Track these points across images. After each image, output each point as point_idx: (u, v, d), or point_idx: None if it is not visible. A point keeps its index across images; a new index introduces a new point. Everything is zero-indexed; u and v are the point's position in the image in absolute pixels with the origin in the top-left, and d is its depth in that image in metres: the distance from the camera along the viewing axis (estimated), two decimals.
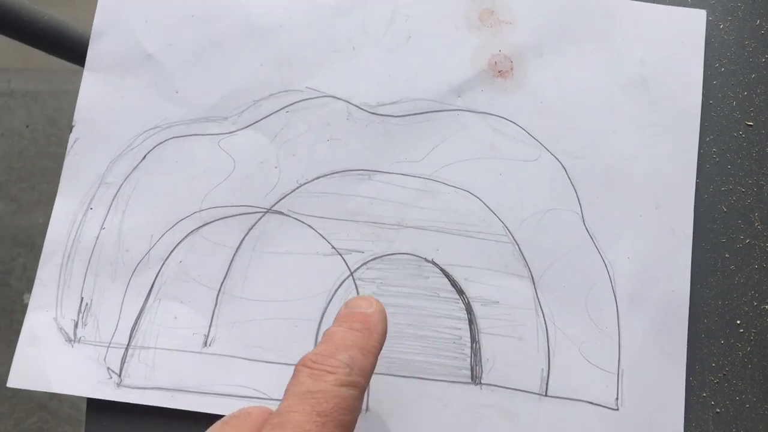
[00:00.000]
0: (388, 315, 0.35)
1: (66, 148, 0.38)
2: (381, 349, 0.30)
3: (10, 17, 0.53)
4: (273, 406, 0.34)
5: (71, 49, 0.56)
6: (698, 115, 0.39)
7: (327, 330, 0.30)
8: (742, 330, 0.37)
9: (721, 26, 0.41)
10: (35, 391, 0.35)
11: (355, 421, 0.28)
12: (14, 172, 1.33)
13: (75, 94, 0.38)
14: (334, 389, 0.27)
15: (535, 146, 0.39)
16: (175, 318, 0.36)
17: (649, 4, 0.41)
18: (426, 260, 0.37)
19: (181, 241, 0.37)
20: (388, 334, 0.35)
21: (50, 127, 1.36)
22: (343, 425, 0.27)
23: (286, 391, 0.28)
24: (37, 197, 1.28)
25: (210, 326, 0.36)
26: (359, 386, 0.28)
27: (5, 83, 1.36)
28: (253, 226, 0.37)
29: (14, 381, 0.35)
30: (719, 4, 0.41)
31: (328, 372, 0.27)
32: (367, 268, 0.37)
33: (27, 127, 1.39)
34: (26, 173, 1.34)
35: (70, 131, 0.38)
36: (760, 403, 0.37)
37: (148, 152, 0.38)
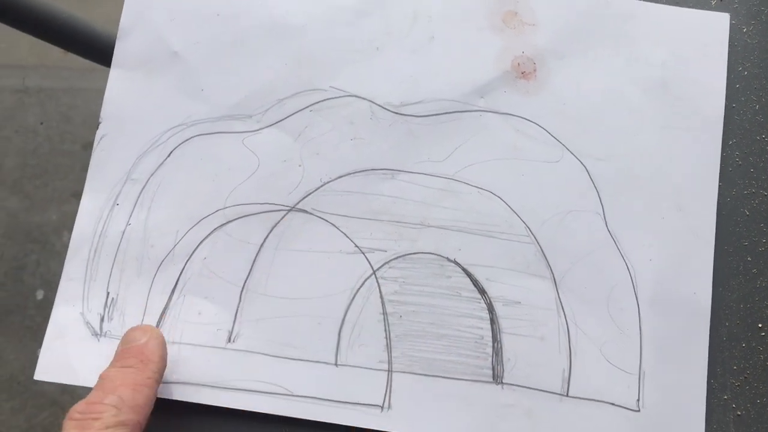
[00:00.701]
0: (409, 313, 0.36)
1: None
2: (162, 373, 0.32)
3: (28, 14, 0.53)
4: (296, 403, 0.34)
5: (89, 46, 0.56)
6: (721, 118, 0.39)
7: (101, 374, 0.32)
8: (764, 333, 0.37)
9: (745, 30, 0.41)
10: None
11: None
12: (28, 168, 1.34)
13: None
14: None
15: (558, 147, 0.39)
16: (200, 314, 0.36)
17: (672, 7, 0.41)
18: (448, 260, 0.37)
19: (205, 238, 0.37)
20: (410, 333, 0.36)
21: (64, 124, 1.37)
22: None
23: None
24: (50, 194, 1.28)
25: (234, 322, 0.36)
26: (130, 423, 0.29)
27: (20, 80, 1.37)
28: (277, 223, 0.38)
29: (41, 374, 0.36)
30: (743, 7, 0.41)
31: (94, 419, 0.29)
32: (390, 267, 0.37)
33: (41, 124, 1.40)
34: (40, 170, 1.35)
35: (97, 128, 0.38)
36: None
37: (174, 149, 0.38)
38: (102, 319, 0.36)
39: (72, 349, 0.36)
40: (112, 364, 0.32)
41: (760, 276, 0.38)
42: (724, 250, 0.38)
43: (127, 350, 0.33)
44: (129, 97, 0.39)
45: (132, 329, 0.34)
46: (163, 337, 0.34)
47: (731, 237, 0.39)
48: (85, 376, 0.35)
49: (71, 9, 0.57)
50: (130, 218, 0.37)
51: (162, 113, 0.39)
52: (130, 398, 0.30)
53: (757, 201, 0.39)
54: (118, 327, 0.36)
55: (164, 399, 0.35)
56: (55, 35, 0.56)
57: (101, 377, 0.31)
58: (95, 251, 0.37)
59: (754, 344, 0.37)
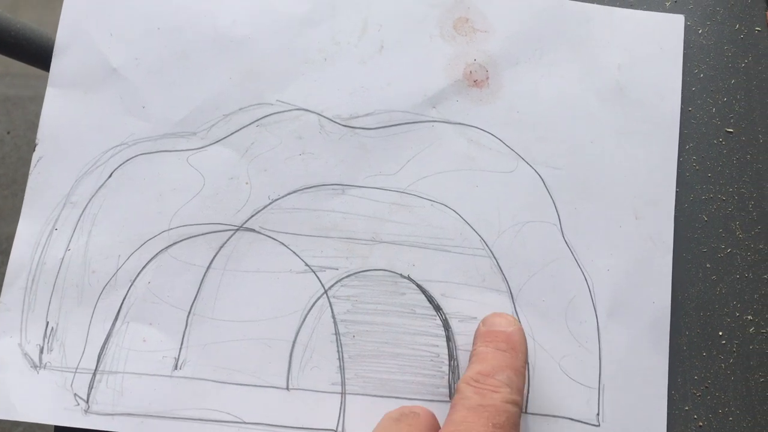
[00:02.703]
0: (363, 333, 0.35)
1: None
2: (526, 368, 0.33)
3: None
4: (247, 431, 0.33)
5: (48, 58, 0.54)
6: (677, 122, 0.39)
7: (475, 350, 0.33)
8: (724, 342, 0.37)
9: (700, 31, 0.40)
10: None
11: None
12: None
13: None
14: (504, 405, 0.29)
15: (512, 157, 0.38)
16: (144, 341, 0.35)
17: (627, 9, 0.40)
18: (402, 276, 0.36)
19: (149, 262, 0.36)
20: (363, 353, 0.35)
21: (32, 133, 1.34)
22: None
23: (454, 405, 0.30)
24: (18, 205, 1.26)
25: (180, 349, 0.35)
26: (519, 404, 0.31)
27: None
28: (224, 244, 0.36)
29: None
30: (698, 8, 0.41)
31: (492, 391, 0.30)
32: (342, 286, 0.36)
33: (8, 133, 1.37)
34: (8, 180, 1.33)
35: (33, 150, 0.37)
36: (744, 416, 0.36)
37: (114, 170, 0.37)
38: (41, 351, 0.35)
39: (10, 383, 0.34)
40: (482, 343, 0.33)
41: (720, 283, 0.37)
42: (683, 257, 0.38)
43: (494, 333, 0.33)
44: (67, 116, 0.37)
45: (494, 315, 0.34)
46: (524, 331, 0.34)
47: (690, 243, 0.38)
48: (24, 411, 0.34)
49: (31, 15, 0.55)
50: (70, 243, 0.36)
51: (102, 133, 0.37)
52: (515, 380, 0.31)
53: (715, 206, 0.38)
54: (58, 358, 0.35)
55: None
56: (8, 47, 0.54)
57: (479, 352, 0.32)
58: (33, 279, 0.36)
59: (714, 353, 0.37)
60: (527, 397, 0.35)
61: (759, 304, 0.37)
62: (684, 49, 0.40)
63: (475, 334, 0.34)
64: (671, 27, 0.40)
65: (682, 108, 0.39)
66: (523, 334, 0.33)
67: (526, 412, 0.35)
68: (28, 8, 1.39)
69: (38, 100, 1.34)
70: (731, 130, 0.39)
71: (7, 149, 1.34)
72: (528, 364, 0.36)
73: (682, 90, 0.39)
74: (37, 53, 0.52)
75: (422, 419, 0.31)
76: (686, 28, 0.40)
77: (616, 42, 0.39)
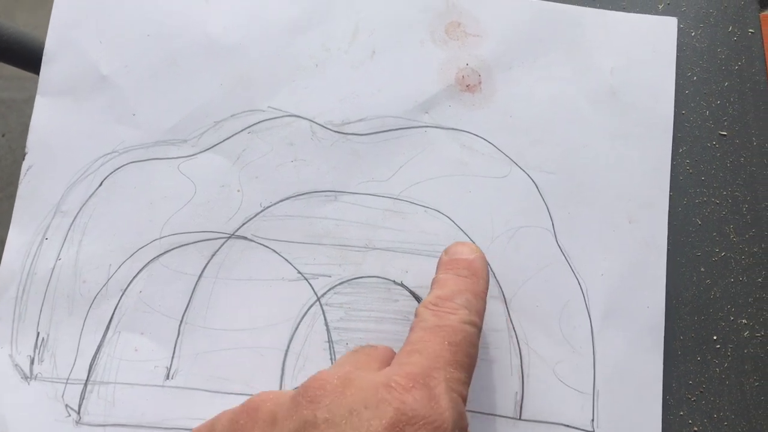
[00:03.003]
0: (356, 340, 0.35)
1: None
2: (487, 293, 0.32)
3: None
4: None
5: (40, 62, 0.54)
6: (671, 125, 0.39)
7: (436, 277, 0.32)
8: (718, 346, 0.37)
9: (693, 34, 0.40)
10: None
11: (476, 358, 0.30)
12: None
13: None
14: (461, 325, 0.29)
15: (505, 162, 0.38)
16: (136, 351, 0.35)
17: (619, 12, 0.40)
18: (395, 283, 0.36)
19: (140, 271, 0.36)
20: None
21: (27, 136, 1.34)
22: (470, 356, 0.29)
23: (413, 327, 0.30)
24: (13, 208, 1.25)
25: (172, 358, 0.35)
26: (477, 326, 0.30)
27: None
28: (216, 252, 0.36)
29: None
30: (691, 11, 0.41)
31: (450, 313, 0.30)
32: (335, 293, 0.36)
33: (3, 136, 1.36)
34: (3, 183, 1.32)
35: (23, 159, 0.36)
36: (739, 420, 0.36)
37: (105, 178, 0.37)
38: (32, 361, 0.35)
39: (0, 394, 0.34)
40: (443, 270, 0.33)
41: (714, 286, 0.37)
42: (677, 261, 0.37)
43: (455, 261, 0.33)
44: (57, 124, 0.37)
45: (457, 244, 0.34)
46: (486, 259, 0.33)
47: (684, 248, 0.38)
48: (14, 423, 0.34)
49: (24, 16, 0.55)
50: (60, 253, 0.36)
51: (92, 141, 0.37)
52: (475, 304, 0.31)
53: (709, 210, 0.38)
54: (49, 369, 0.34)
55: None
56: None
57: (440, 279, 0.32)
58: (23, 289, 0.35)
59: (709, 357, 0.37)
60: (521, 403, 0.35)
61: (753, 308, 0.37)
62: (677, 52, 0.40)
63: (437, 264, 0.34)
64: (664, 30, 0.40)
65: (675, 111, 0.39)
66: (485, 261, 0.33)
67: (520, 419, 0.35)
68: (22, 11, 1.39)
69: (33, 102, 1.33)
70: (725, 132, 0.39)
71: (2, 152, 1.34)
72: (522, 369, 0.35)
73: (676, 93, 0.39)
74: (29, 57, 0.52)
75: (380, 350, 0.31)
76: (679, 30, 0.40)
77: (609, 45, 0.39)
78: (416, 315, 0.31)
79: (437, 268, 0.33)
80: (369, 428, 0.25)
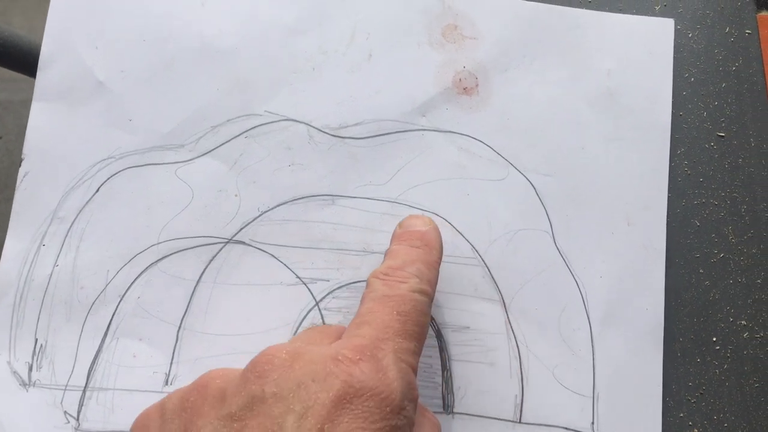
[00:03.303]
0: None
1: None
2: (440, 263, 0.33)
3: None
4: None
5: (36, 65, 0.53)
6: (668, 127, 0.39)
7: (389, 249, 0.33)
8: (718, 347, 0.37)
9: (690, 35, 0.40)
10: None
11: (428, 327, 0.30)
12: None
13: None
14: (410, 294, 0.29)
15: (503, 165, 0.38)
16: (134, 357, 0.35)
17: (616, 14, 0.40)
18: None
19: (138, 276, 0.36)
20: None
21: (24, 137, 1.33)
22: (420, 325, 0.29)
23: (363, 298, 0.30)
24: (10, 210, 1.25)
25: (171, 364, 0.35)
26: (429, 294, 0.30)
27: None
28: (214, 257, 0.36)
29: None
30: (687, 12, 0.41)
31: (400, 282, 0.30)
32: (333, 297, 0.36)
33: (0, 138, 1.36)
34: (1, 185, 1.32)
35: (20, 165, 0.36)
36: (739, 422, 0.36)
37: (102, 184, 0.36)
38: (30, 368, 0.35)
39: None
40: (396, 242, 0.33)
41: (713, 288, 0.37)
42: (676, 263, 0.37)
43: (408, 233, 0.33)
44: (53, 131, 0.37)
45: (410, 217, 0.34)
46: (439, 231, 0.34)
47: (682, 249, 0.38)
48: (13, 430, 0.34)
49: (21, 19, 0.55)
50: (58, 259, 0.36)
51: (88, 146, 0.37)
52: (426, 273, 0.31)
53: (707, 211, 0.38)
54: (47, 375, 0.34)
55: None
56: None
57: (392, 250, 0.32)
58: (21, 296, 0.35)
59: (708, 359, 0.37)
60: (521, 406, 0.35)
61: (752, 309, 0.37)
62: (674, 53, 0.39)
63: (391, 237, 0.34)
64: (661, 31, 0.40)
65: (673, 112, 0.39)
66: (439, 233, 0.33)
67: (520, 422, 0.35)
68: (17, 13, 1.38)
69: (30, 104, 1.33)
70: (722, 134, 0.39)
71: None
72: (521, 372, 0.35)
73: (673, 94, 0.39)
74: (25, 61, 0.52)
75: (333, 327, 0.32)
76: (676, 32, 0.40)
77: (606, 47, 0.39)
78: (367, 285, 0.31)
79: (391, 240, 0.34)
80: (316, 401, 0.24)
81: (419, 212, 0.37)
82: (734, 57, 0.40)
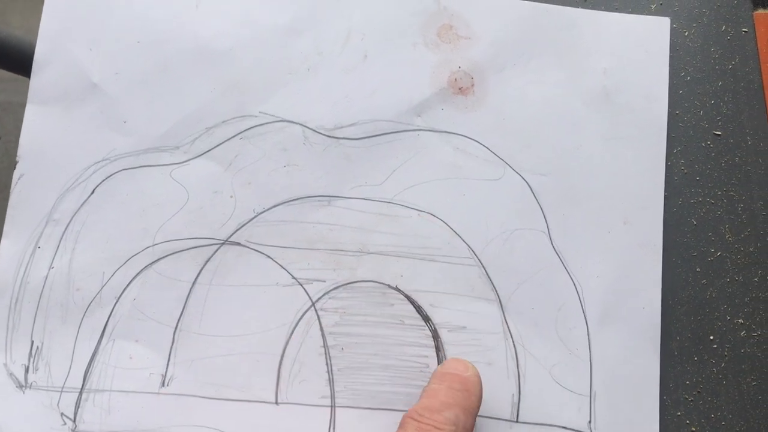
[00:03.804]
0: (351, 345, 0.35)
1: None
2: (478, 412, 0.32)
3: None
4: None
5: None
6: (665, 125, 0.38)
7: (427, 387, 0.32)
8: (715, 346, 0.37)
9: (686, 33, 0.40)
10: None
11: None
12: None
13: None
14: None
15: (499, 164, 0.38)
16: (131, 358, 0.35)
17: (612, 13, 0.40)
18: (390, 287, 0.36)
19: (134, 278, 0.36)
20: (352, 365, 0.35)
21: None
22: None
23: None
24: None
25: (167, 365, 0.35)
26: None
27: None
28: (209, 258, 0.36)
29: None
30: (684, 10, 0.40)
31: (436, 428, 0.29)
32: (330, 298, 0.36)
33: None
34: (1, 185, 1.32)
35: (14, 167, 0.36)
36: (737, 420, 0.36)
37: (97, 186, 0.36)
38: (27, 370, 0.34)
39: None
40: (435, 381, 0.32)
41: (710, 287, 0.37)
42: (673, 261, 0.37)
43: (450, 375, 0.32)
44: (47, 133, 0.37)
45: (452, 360, 0.34)
46: (481, 378, 0.33)
47: (679, 248, 0.38)
48: None
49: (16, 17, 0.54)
50: (53, 261, 0.36)
51: (83, 149, 0.37)
52: (464, 421, 0.30)
53: (704, 210, 0.38)
54: (44, 377, 0.34)
55: None
56: None
57: (431, 389, 0.32)
58: (17, 298, 0.35)
59: (706, 357, 0.37)
60: (518, 405, 0.35)
61: (750, 308, 0.37)
62: (670, 52, 0.39)
63: (431, 375, 0.33)
64: (657, 30, 0.40)
65: (669, 111, 0.39)
66: (480, 380, 0.32)
67: (517, 421, 0.35)
68: (15, 13, 1.38)
69: None
70: (719, 132, 0.39)
71: None
72: (518, 372, 0.35)
73: (669, 93, 0.39)
74: (22, 61, 0.52)
75: None
76: (672, 30, 0.40)
77: (602, 46, 0.39)
78: (400, 425, 0.30)
79: (430, 378, 0.33)
80: None
81: (415, 213, 0.37)
82: (731, 55, 0.40)
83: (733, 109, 0.39)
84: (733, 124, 0.39)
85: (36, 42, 0.38)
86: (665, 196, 0.38)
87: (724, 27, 0.40)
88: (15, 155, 0.36)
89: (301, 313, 0.36)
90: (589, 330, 0.36)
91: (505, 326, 0.36)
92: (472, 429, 0.31)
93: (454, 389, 0.31)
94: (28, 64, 0.38)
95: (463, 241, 0.37)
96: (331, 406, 0.35)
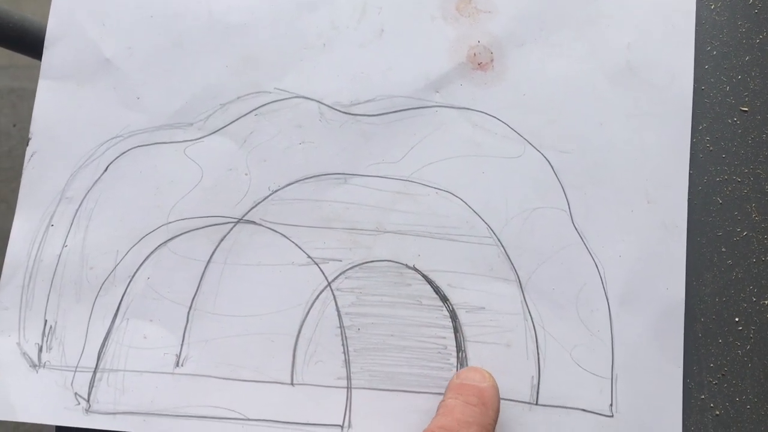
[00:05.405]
0: (368, 325, 0.34)
1: None
2: (495, 425, 0.31)
3: None
4: (252, 428, 0.33)
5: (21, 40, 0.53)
6: (690, 102, 0.37)
7: (443, 402, 0.31)
8: (741, 328, 0.36)
9: (712, 6, 0.39)
10: None
11: None
12: (3, 172, 1.31)
13: None
14: None
15: (519, 142, 0.37)
16: (145, 338, 0.34)
17: None
18: (407, 266, 0.36)
19: (148, 257, 0.35)
20: (369, 346, 0.34)
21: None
22: None
23: None
24: None
25: (182, 345, 0.34)
26: None
27: None
28: (224, 237, 0.35)
29: None
30: None
31: None
32: (346, 278, 0.35)
33: (14, 126, 1.37)
34: (15, 173, 1.33)
35: (27, 144, 0.36)
36: (762, 404, 0.35)
37: (110, 163, 0.36)
38: (40, 349, 0.34)
39: (9, 383, 0.34)
40: (451, 395, 0.32)
41: (736, 267, 0.36)
42: (697, 241, 0.36)
43: (466, 386, 0.32)
44: (60, 110, 0.36)
45: (468, 369, 0.33)
46: (498, 388, 0.32)
47: (704, 227, 0.37)
48: (23, 411, 0.33)
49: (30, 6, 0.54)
50: (67, 239, 0.35)
51: (96, 125, 0.36)
52: None
53: (730, 188, 0.37)
54: (57, 357, 0.34)
55: (108, 431, 0.33)
56: (7, 39, 0.53)
57: (446, 405, 0.31)
58: (30, 277, 0.35)
59: (731, 339, 0.36)
60: (538, 387, 0.34)
61: None
62: (696, 26, 0.38)
63: (447, 386, 0.33)
64: (682, 3, 0.38)
65: (694, 87, 0.38)
66: (497, 391, 0.32)
67: (537, 404, 0.34)
68: (29, 0, 1.38)
69: None
70: (746, 108, 0.38)
71: (13, 142, 1.34)
72: (537, 353, 0.35)
73: (695, 68, 0.38)
74: (35, 45, 0.51)
75: None
76: (698, 3, 0.39)
77: (626, 20, 0.38)
78: None
79: (446, 390, 0.33)
80: None
81: (433, 191, 0.36)
82: (758, 29, 0.39)
83: (760, 84, 0.38)
84: (761, 99, 0.38)
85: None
86: (690, 175, 0.37)
87: (751, 0, 0.39)
88: None
89: (316, 293, 0.35)
90: (611, 311, 0.35)
91: (525, 307, 0.35)
92: None
93: (471, 404, 0.31)
94: (42, 48, 0.37)
95: (482, 219, 0.36)
96: (347, 387, 0.34)
